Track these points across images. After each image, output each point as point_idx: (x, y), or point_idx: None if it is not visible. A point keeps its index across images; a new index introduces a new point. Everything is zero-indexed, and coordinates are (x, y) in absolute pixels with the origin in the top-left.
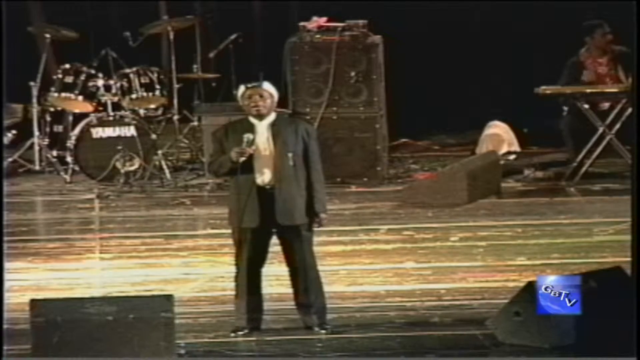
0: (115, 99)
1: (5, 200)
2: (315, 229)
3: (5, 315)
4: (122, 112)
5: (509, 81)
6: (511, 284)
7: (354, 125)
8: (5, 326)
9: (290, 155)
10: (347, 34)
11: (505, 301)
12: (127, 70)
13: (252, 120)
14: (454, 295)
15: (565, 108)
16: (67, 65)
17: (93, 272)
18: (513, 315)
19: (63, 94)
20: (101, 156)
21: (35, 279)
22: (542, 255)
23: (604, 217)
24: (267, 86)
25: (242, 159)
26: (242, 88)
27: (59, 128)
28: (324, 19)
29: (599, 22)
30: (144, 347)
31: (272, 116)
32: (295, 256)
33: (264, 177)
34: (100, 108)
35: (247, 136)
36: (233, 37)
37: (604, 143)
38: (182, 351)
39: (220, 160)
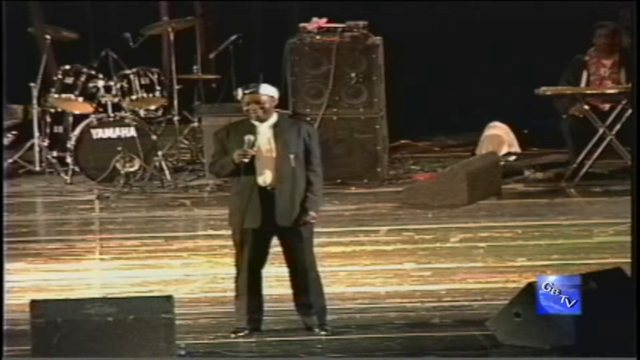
0: (116, 100)
1: (5, 201)
2: (307, 227)
3: (6, 316)
4: (122, 113)
5: (509, 81)
6: (511, 285)
7: (354, 126)
8: (5, 327)
9: (291, 156)
10: (347, 35)
11: (506, 302)
12: (127, 71)
13: (254, 121)
14: (454, 296)
15: (564, 116)
16: (67, 66)
17: (93, 273)
18: (513, 316)
19: (63, 95)
20: (101, 157)
21: (35, 280)
22: (542, 256)
23: (604, 218)
24: (265, 90)
25: (245, 160)
26: (239, 92)
27: (59, 129)
28: (324, 20)
29: (601, 22)
30: (144, 348)
31: (273, 117)
32: (296, 257)
33: (265, 177)
34: (101, 109)
35: (249, 138)
36: (233, 38)
37: (604, 144)
38: (182, 352)
39: (222, 162)
